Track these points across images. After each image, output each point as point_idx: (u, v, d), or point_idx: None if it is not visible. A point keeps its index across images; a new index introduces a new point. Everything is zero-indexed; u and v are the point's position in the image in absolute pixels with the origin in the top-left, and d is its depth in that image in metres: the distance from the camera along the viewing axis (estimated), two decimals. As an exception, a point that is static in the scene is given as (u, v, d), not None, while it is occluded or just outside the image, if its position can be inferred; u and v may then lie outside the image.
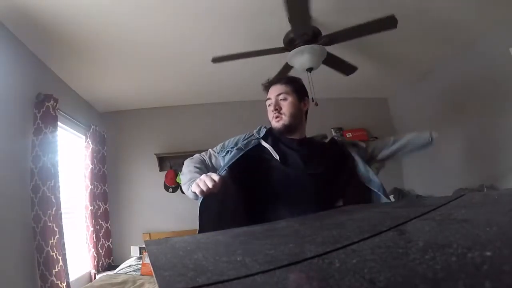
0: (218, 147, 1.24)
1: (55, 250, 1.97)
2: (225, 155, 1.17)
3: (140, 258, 2.85)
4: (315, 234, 0.50)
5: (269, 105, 1.20)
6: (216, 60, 2.19)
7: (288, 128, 1.16)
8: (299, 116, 1.18)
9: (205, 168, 1.16)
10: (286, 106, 1.16)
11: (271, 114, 1.19)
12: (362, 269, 0.28)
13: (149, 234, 3.24)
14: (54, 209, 2.04)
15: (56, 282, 1.93)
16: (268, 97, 1.20)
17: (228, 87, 3.29)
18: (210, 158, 1.22)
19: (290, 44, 2.12)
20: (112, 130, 3.49)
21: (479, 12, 2.19)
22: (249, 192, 1.11)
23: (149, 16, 1.98)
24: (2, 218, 1.74)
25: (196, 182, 0.96)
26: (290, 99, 1.16)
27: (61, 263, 2.00)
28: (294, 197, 1.07)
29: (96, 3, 1.80)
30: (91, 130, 3.02)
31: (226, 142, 1.23)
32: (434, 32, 2.44)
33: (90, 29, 2.03)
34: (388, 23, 1.89)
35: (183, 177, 1.11)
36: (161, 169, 3.43)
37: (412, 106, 3.61)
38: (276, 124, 1.17)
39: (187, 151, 3.38)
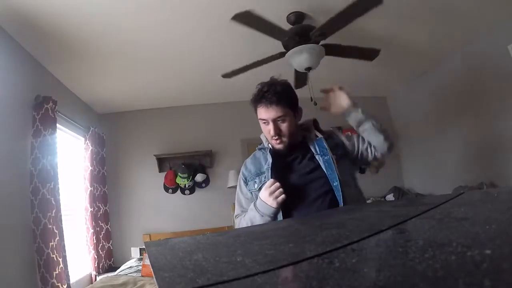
0: (242, 183, 1.22)
1: (55, 252, 1.97)
2: (250, 182, 1.19)
3: (140, 259, 2.85)
4: (315, 234, 0.50)
5: (264, 123, 1.13)
6: (225, 76, 2.37)
7: (289, 147, 1.14)
8: (296, 130, 1.16)
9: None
10: (285, 128, 1.11)
11: (268, 134, 1.13)
12: (362, 269, 0.28)
13: (149, 235, 3.24)
14: (54, 211, 2.04)
15: (56, 284, 1.93)
16: (263, 118, 1.11)
17: (228, 87, 3.29)
18: (245, 195, 1.22)
19: (287, 43, 2.11)
20: (111, 132, 3.48)
21: (478, 10, 2.20)
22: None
23: (147, 17, 1.98)
24: (2, 221, 1.74)
25: (268, 199, 1.01)
26: (288, 119, 1.10)
27: (61, 265, 2.00)
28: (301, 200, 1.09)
29: (94, 4, 1.80)
30: (90, 132, 3.02)
31: (242, 179, 1.22)
32: (433, 31, 2.44)
33: (89, 30, 2.03)
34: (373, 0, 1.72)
35: (244, 222, 1.14)
36: (160, 170, 3.43)
37: (411, 105, 3.62)
38: (278, 146, 1.14)
39: (187, 152, 3.40)
